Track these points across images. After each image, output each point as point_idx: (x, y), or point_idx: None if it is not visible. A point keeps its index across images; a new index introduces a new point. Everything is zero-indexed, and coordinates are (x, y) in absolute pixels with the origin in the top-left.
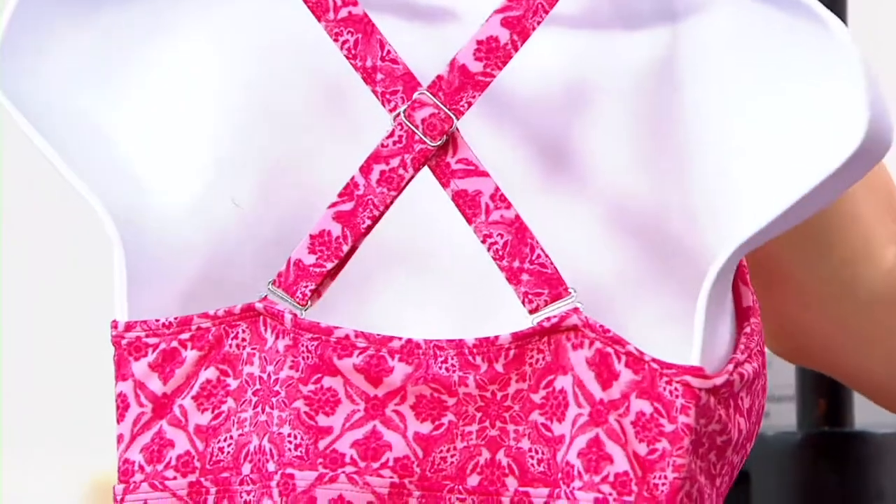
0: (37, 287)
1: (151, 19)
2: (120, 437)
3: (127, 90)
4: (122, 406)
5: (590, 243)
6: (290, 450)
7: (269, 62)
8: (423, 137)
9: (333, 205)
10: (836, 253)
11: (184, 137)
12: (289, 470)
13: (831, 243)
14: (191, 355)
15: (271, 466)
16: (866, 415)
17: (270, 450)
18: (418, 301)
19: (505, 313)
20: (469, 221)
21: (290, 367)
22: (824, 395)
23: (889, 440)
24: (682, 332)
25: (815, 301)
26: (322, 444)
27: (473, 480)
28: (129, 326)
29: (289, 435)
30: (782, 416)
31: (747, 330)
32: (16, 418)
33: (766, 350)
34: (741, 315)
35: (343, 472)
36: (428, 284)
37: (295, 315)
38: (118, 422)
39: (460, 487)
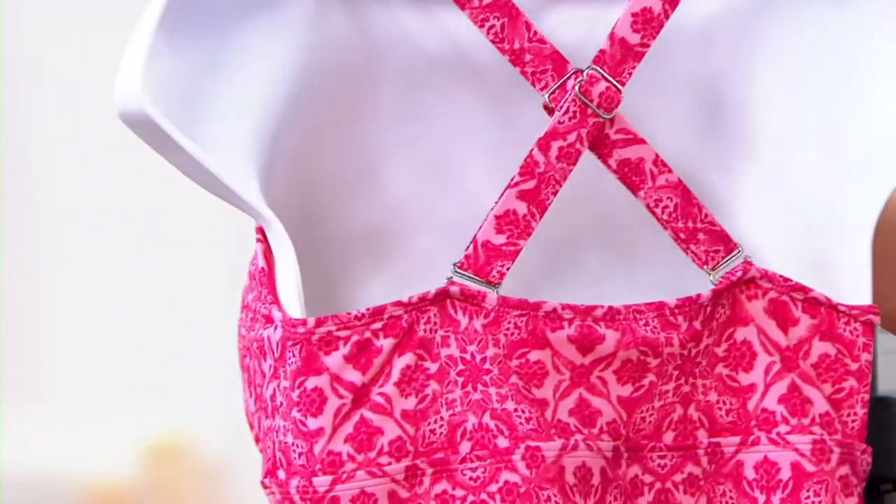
0: (86, 252)
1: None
2: (318, 431)
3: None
4: (319, 400)
5: (732, 198)
6: (521, 424)
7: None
8: (596, 111)
9: (515, 184)
10: None
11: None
12: (531, 443)
13: None
14: (386, 344)
15: (503, 442)
16: (890, 381)
17: (497, 426)
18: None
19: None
20: (636, 189)
21: (494, 345)
22: None
23: None
24: (820, 277)
25: None
26: (547, 416)
27: (668, 437)
28: (320, 322)
29: (515, 410)
30: None
31: None
32: (68, 380)
33: None
34: None
35: (577, 439)
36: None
37: (500, 294)
38: (313, 416)
39: (660, 445)
